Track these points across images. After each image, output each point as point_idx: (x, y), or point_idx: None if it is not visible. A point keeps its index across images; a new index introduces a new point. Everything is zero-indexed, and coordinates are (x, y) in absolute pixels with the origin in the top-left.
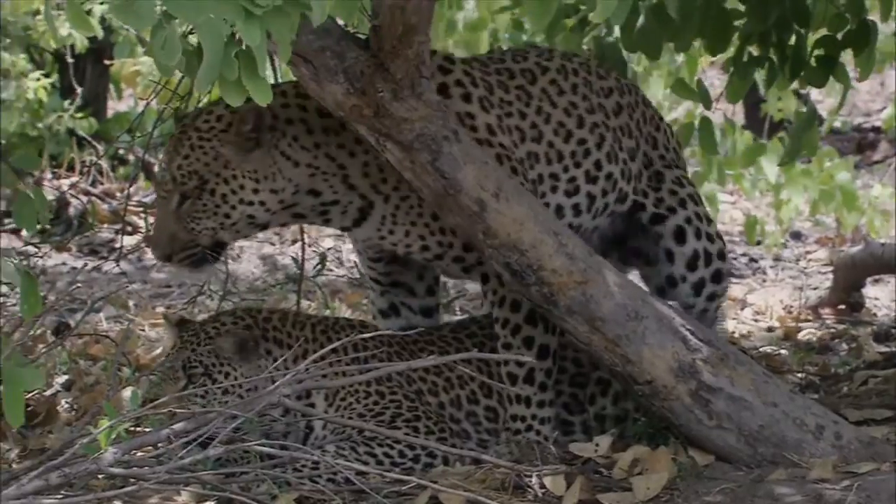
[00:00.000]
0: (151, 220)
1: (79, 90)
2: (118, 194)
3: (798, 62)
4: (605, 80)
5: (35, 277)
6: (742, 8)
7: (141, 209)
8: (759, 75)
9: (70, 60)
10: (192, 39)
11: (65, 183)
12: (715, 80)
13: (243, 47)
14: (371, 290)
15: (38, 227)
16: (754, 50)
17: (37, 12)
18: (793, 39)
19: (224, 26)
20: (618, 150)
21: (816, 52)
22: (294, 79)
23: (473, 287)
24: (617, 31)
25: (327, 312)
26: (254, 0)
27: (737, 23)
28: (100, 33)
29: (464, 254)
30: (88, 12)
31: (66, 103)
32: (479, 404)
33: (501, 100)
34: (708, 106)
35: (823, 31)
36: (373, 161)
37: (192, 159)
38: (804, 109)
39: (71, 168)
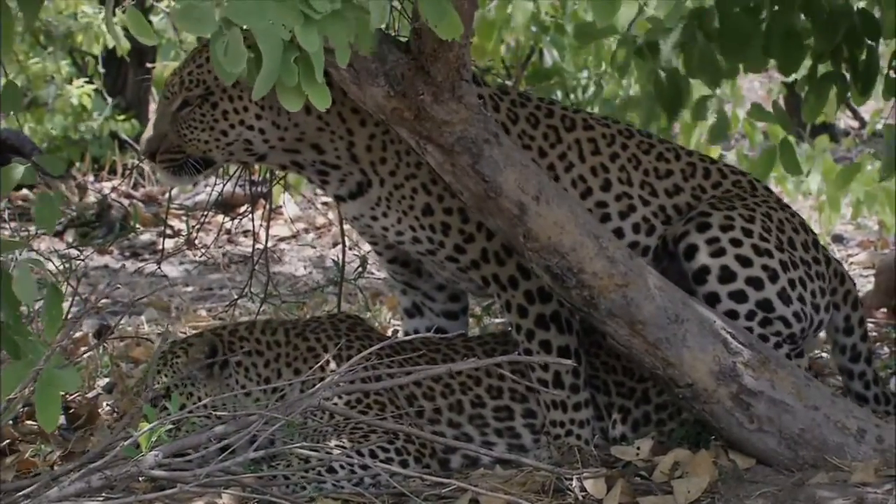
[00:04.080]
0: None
1: (112, 99)
2: (160, 197)
3: (869, 76)
4: (669, 162)
5: (61, 290)
6: (809, 26)
7: (182, 212)
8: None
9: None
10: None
11: (107, 186)
12: (755, 83)
13: (302, 52)
14: (396, 289)
15: (71, 231)
16: (826, 67)
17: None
18: (864, 54)
19: (283, 31)
20: (658, 225)
21: (894, 63)
22: None
23: None
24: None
25: (368, 315)
26: (312, 5)
27: (807, 42)
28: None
29: (457, 255)
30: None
31: (111, 106)
32: (486, 407)
33: (523, 131)
34: (787, 128)
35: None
36: (379, 136)
37: (205, 69)
38: (891, 121)
39: (113, 171)
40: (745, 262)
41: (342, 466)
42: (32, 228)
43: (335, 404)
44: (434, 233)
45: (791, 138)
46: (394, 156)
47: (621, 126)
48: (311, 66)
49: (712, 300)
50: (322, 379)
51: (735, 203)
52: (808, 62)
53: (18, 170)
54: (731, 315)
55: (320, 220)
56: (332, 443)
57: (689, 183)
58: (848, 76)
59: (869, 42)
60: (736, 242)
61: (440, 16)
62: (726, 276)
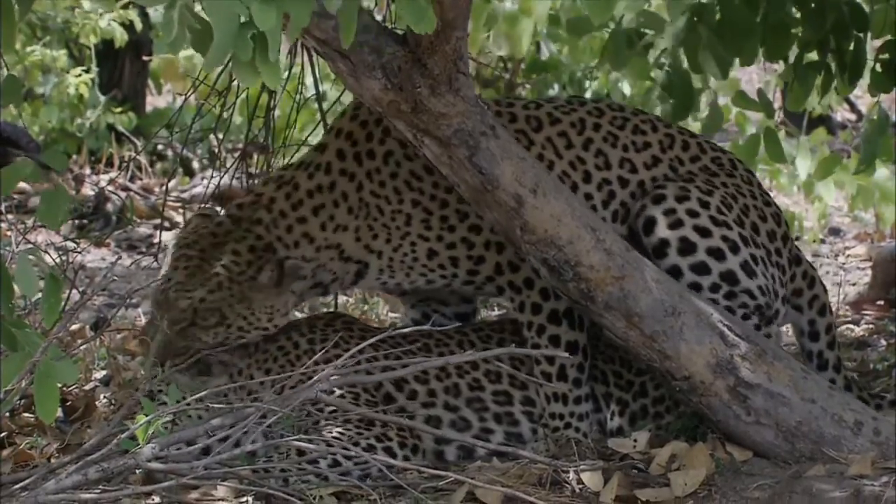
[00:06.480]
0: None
1: (109, 91)
2: (157, 190)
3: (857, 67)
4: (646, 134)
5: (59, 279)
6: (798, 15)
7: (179, 205)
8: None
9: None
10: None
11: (104, 178)
12: (753, 75)
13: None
14: (402, 305)
15: (68, 223)
16: (813, 56)
17: (75, 6)
18: (852, 45)
19: (240, 7)
20: (633, 207)
21: (881, 57)
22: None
23: None
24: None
25: (365, 308)
26: None
27: (794, 30)
28: (138, 25)
29: (472, 278)
30: (127, 6)
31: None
32: (484, 391)
33: None
34: (770, 116)
35: (887, 37)
36: (363, 224)
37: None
38: (875, 116)
39: (110, 163)
40: (704, 232)
41: (324, 458)
42: (30, 221)
43: (330, 395)
44: (444, 269)
45: (772, 126)
46: (381, 227)
47: (589, 106)
48: (266, 42)
49: (675, 274)
50: (315, 373)
51: (696, 178)
52: (795, 52)
53: (22, 168)
54: (695, 288)
55: None
56: (325, 434)
57: (666, 154)
58: (833, 66)
59: (857, 34)
60: (693, 213)
61: (418, 18)
62: (686, 247)
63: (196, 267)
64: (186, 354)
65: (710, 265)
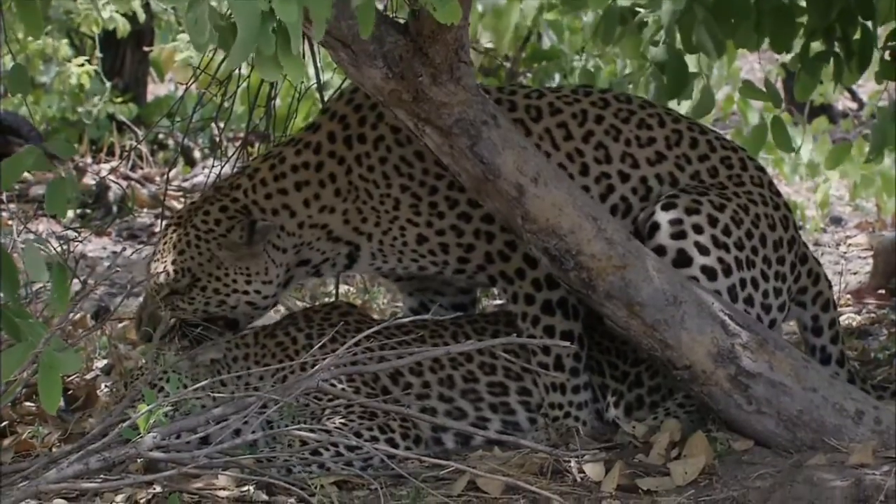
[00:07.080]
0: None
1: (110, 80)
2: (158, 179)
3: (864, 56)
4: (651, 129)
5: (67, 269)
6: (803, 4)
7: (180, 194)
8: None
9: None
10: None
11: (105, 167)
12: (754, 64)
13: (280, 23)
14: (402, 292)
15: (69, 212)
16: (819, 45)
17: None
18: (858, 33)
19: (261, 1)
20: (635, 202)
21: (889, 44)
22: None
23: None
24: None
25: (366, 297)
26: None
27: (800, 19)
28: (141, 16)
29: (462, 266)
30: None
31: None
32: (479, 382)
33: None
34: (778, 105)
35: (893, 25)
36: (351, 207)
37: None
38: (884, 104)
39: (111, 152)
40: (703, 249)
41: (326, 448)
42: (31, 210)
43: (332, 385)
44: (435, 255)
45: (786, 116)
46: (370, 210)
47: (594, 97)
48: (288, 37)
49: None
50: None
51: (710, 191)
52: (801, 40)
53: (24, 159)
54: None
55: None
56: (324, 425)
57: (672, 151)
58: (841, 55)
59: (864, 22)
60: (698, 228)
61: (445, 7)
62: (682, 260)
63: (173, 234)
64: (172, 328)
65: (700, 282)
